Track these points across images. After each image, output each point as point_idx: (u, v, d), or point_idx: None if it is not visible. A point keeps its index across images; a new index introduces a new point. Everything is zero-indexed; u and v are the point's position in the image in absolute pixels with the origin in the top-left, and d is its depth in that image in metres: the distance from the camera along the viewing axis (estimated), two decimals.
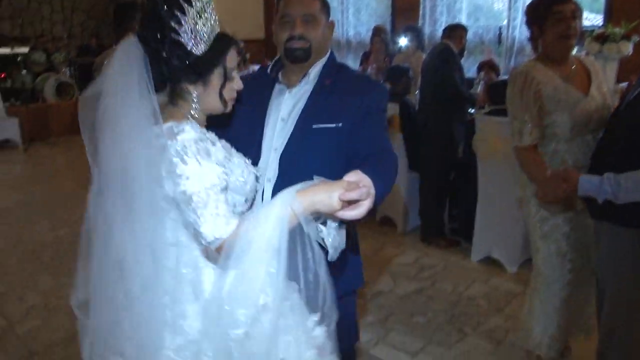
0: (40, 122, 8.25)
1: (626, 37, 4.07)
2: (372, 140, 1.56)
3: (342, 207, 1.19)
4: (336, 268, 1.67)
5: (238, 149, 1.46)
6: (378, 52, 5.58)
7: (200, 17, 1.29)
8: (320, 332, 1.36)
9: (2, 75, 8.63)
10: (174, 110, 1.35)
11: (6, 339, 3.01)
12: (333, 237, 1.28)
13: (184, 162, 1.23)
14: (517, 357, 2.78)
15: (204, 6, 1.30)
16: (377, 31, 5.70)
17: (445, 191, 4.26)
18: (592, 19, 5.58)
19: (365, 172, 1.21)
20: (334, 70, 1.67)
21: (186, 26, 1.28)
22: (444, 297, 3.45)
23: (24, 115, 7.98)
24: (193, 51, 1.30)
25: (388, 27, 6.74)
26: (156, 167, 1.24)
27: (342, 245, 1.30)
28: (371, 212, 1.24)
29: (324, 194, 1.20)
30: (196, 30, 1.29)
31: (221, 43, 1.35)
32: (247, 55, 6.23)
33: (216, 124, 1.46)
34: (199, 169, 1.23)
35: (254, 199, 1.48)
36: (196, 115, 1.36)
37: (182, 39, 1.28)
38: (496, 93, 3.96)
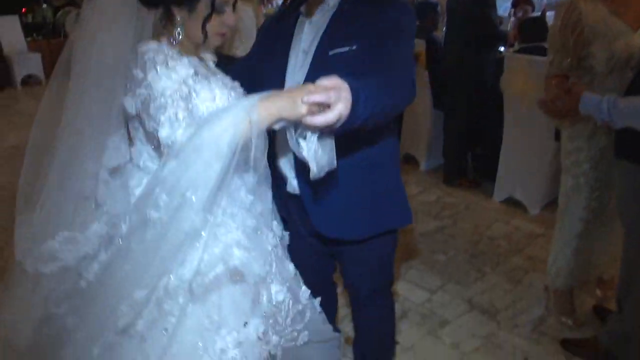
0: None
1: None
2: (388, 60, 1.42)
3: (310, 112, 1.10)
4: (379, 204, 1.68)
5: (266, 88, 1.42)
6: None
7: None
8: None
9: (23, 10, 8.57)
10: (161, 32, 1.35)
11: None
12: (315, 152, 1.17)
13: (143, 71, 1.24)
14: (535, 297, 2.80)
15: None
16: None
17: (470, 131, 4.19)
18: None
19: (346, 80, 1.13)
20: None
21: None
22: (464, 236, 3.46)
23: (46, 50, 7.97)
24: None
25: None
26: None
27: (332, 163, 1.20)
28: None
29: (287, 99, 1.13)
30: None
31: None
32: None
33: (247, 68, 1.43)
34: (156, 77, 1.24)
35: None
36: (183, 43, 1.34)
37: None
38: (527, 30, 3.83)
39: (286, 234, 1.62)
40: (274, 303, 1.44)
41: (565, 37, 2.15)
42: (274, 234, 1.53)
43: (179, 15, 1.32)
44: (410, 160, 4.56)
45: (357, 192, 1.60)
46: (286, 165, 1.63)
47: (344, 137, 1.21)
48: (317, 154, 1.17)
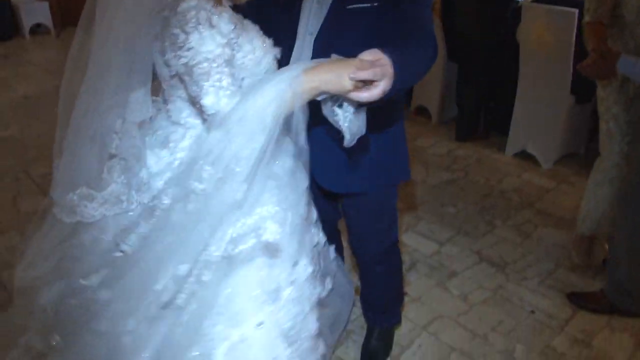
0: (72, 6, 8.09)
1: None
2: (411, 20, 1.41)
3: (355, 88, 1.11)
4: (381, 156, 1.68)
5: (277, 37, 1.39)
6: None
7: None
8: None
9: None
10: None
11: None
12: (350, 121, 1.19)
13: (185, 32, 1.19)
14: (544, 251, 2.81)
15: None
16: None
17: (484, 83, 4.11)
18: None
19: (387, 53, 1.12)
20: None
21: None
22: (475, 189, 3.45)
23: None
24: None
25: None
26: (160, 41, 1.22)
27: (362, 130, 1.21)
28: (406, 101, 1.17)
29: (332, 74, 1.12)
30: None
31: None
32: None
33: (254, 13, 1.39)
34: (200, 40, 1.19)
35: None
36: None
37: None
38: None
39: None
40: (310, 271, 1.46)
41: None
42: (308, 207, 1.52)
43: None
44: (422, 113, 4.51)
45: (360, 148, 1.60)
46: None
47: None
48: (352, 123, 1.19)
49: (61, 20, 7.81)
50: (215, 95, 1.19)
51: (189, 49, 1.19)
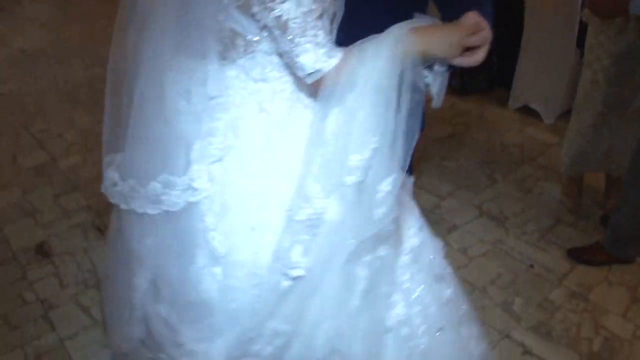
0: None
1: None
2: None
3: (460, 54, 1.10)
4: None
5: None
6: None
7: None
8: None
9: None
10: None
11: (51, 173, 3.16)
12: (440, 84, 1.17)
13: None
14: (545, 206, 2.82)
15: None
16: None
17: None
18: None
19: (483, 15, 1.10)
20: None
21: None
22: (477, 143, 3.43)
23: None
24: None
25: None
26: None
27: (444, 92, 1.20)
28: None
29: (442, 39, 1.09)
30: None
31: None
32: None
33: None
34: None
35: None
36: None
37: None
38: None
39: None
40: None
41: None
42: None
43: None
44: None
45: None
46: None
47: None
48: (441, 85, 1.18)
49: None
50: (314, 52, 1.08)
51: (283, 1, 1.07)
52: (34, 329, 2.17)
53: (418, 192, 2.91)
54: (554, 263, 2.44)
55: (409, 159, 1.17)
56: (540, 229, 2.65)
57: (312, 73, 1.10)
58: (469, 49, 1.12)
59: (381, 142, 1.10)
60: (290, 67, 1.15)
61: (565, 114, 3.58)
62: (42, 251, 2.57)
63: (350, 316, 1.28)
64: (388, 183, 1.14)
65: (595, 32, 2.30)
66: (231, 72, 1.23)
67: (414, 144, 1.16)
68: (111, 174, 1.32)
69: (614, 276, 2.36)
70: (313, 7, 1.08)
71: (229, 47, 1.20)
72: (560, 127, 3.53)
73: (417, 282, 1.40)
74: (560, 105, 3.58)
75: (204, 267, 1.27)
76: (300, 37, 1.08)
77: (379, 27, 1.11)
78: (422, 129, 1.74)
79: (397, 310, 1.36)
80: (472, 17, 1.10)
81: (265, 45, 1.17)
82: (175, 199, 1.24)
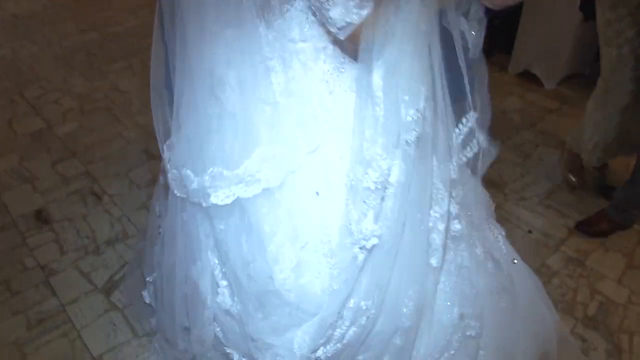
0: None
1: None
2: None
3: None
4: None
5: None
6: None
7: None
8: None
9: None
10: None
11: (48, 139, 3.14)
12: (477, 32, 1.12)
13: None
14: (543, 171, 2.81)
15: None
16: None
17: None
18: None
19: None
20: None
21: None
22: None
23: None
24: None
25: None
26: None
27: (481, 42, 1.14)
28: None
29: None
30: None
31: None
32: None
33: None
34: None
35: None
36: None
37: None
38: None
39: None
40: None
41: None
42: None
43: None
44: None
45: None
46: None
47: None
48: (478, 33, 1.13)
49: None
50: (344, 5, 1.02)
51: None
52: (35, 295, 2.19)
53: None
54: (552, 228, 2.45)
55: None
56: (538, 195, 2.66)
57: (344, 27, 1.05)
58: None
59: (432, 91, 1.06)
60: (324, 24, 1.11)
61: (566, 80, 3.56)
62: (42, 218, 2.57)
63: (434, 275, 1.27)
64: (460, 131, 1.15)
65: (612, 6, 2.11)
66: (268, 35, 1.18)
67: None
68: (182, 172, 1.28)
69: (610, 242, 2.37)
70: None
71: (264, 8, 1.15)
72: (560, 92, 3.50)
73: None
74: (562, 70, 3.54)
75: (282, 246, 1.23)
76: None
77: None
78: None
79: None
80: None
81: (300, 3, 1.13)
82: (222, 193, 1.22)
